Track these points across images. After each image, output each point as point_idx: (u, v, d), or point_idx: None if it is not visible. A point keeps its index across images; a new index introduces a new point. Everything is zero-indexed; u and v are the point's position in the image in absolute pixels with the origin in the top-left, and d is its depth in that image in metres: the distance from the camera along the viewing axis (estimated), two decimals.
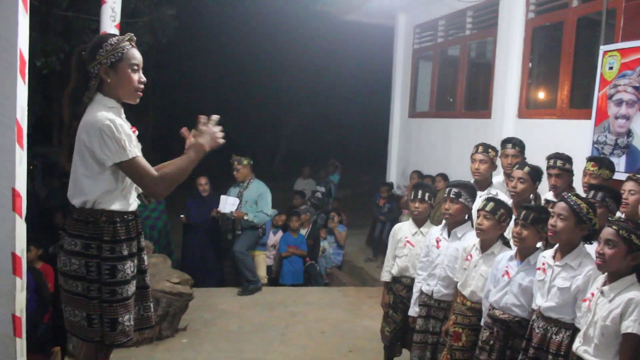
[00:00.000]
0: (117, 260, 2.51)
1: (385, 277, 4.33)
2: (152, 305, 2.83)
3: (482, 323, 3.40)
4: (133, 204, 2.63)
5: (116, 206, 2.53)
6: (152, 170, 2.51)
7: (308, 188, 11.54)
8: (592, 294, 2.67)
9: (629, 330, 2.47)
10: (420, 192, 4.08)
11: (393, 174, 9.58)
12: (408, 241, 4.14)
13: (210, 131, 2.64)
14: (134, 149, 2.48)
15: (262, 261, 7.54)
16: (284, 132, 21.18)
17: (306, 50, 17.30)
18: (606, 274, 2.63)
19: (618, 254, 2.54)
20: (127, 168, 2.47)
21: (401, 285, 4.19)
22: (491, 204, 3.42)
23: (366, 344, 5.23)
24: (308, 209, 9.04)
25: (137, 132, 2.64)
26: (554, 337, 2.89)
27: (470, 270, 3.51)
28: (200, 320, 5.68)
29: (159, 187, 2.50)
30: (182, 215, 7.60)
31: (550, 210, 3.12)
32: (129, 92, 2.59)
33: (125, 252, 2.54)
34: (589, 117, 5.54)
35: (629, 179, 3.74)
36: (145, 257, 2.73)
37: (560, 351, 2.85)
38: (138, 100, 2.64)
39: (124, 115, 2.62)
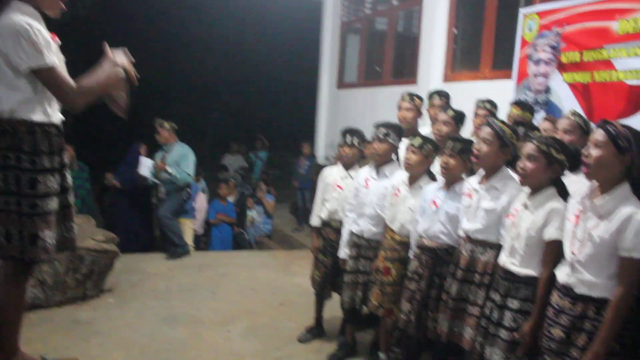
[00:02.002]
0: (38, 173, 2.39)
1: (315, 221, 4.34)
2: (75, 226, 2.70)
3: (410, 255, 3.47)
4: (55, 116, 2.50)
5: (36, 117, 2.40)
6: (71, 81, 2.39)
7: (236, 164, 11.48)
8: (516, 210, 2.78)
9: (551, 237, 2.59)
10: (348, 137, 4.12)
11: (321, 146, 9.62)
12: (337, 185, 4.17)
13: (121, 53, 2.54)
14: (52, 57, 2.35)
15: (189, 229, 7.42)
16: (211, 116, 20.78)
17: (231, 29, 17.04)
18: (528, 189, 2.74)
19: (539, 168, 2.65)
20: (44, 76, 2.34)
21: (330, 229, 4.21)
22: (418, 139, 3.50)
23: (297, 298, 5.25)
24: (235, 176, 8.97)
25: (58, 42, 2.51)
26: (480, 257, 3.00)
27: (398, 205, 3.58)
28: (127, 282, 5.53)
29: (77, 99, 2.38)
30: (114, 181, 7.40)
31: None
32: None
33: (47, 165, 2.42)
34: (510, 77, 5.77)
35: (544, 119, 4.01)
36: (69, 176, 2.61)
37: (487, 270, 2.96)
38: (59, 14, 2.51)
39: (43, 24, 2.48)
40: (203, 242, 7.94)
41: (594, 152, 2.33)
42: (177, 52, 17.64)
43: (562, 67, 5.31)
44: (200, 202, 7.73)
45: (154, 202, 6.84)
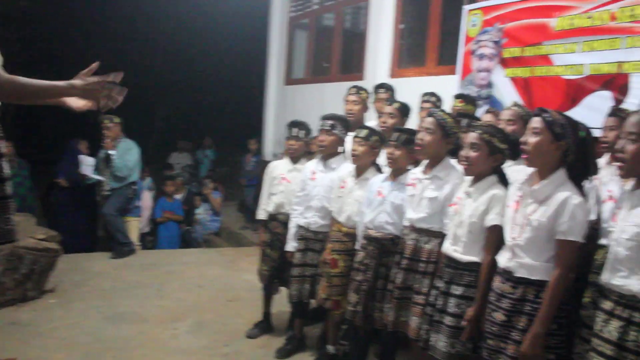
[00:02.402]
0: None
1: (261, 215, 4.31)
2: (13, 218, 2.58)
3: (357, 246, 3.48)
4: None
5: None
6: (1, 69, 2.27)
7: (183, 162, 11.34)
8: (459, 198, 2.82)
9: (493, 223, 2.64)
10: (294, 130, 4.11)
11: (269, 143, 9.57)
12: (284, 177, 4.15)
13: (93, 82, 2.28)
14: None
15: (135, 227, 7.26)
16: (158, 114, 20.37)
17: (177, 25, 16.74)
18: (470, 178, 2.79)
19: (481, 156, 2.71)
20: None
21: (277, 222, 4.19)
22: (365, 131, 3.51)
23: (245, 294, 5.21)
24: (182, 173, 8.84)
25: None
26: (424, 246, 3.03)
27: (345, 197, 3.59)
28: (70, 282, 5.37)
29: (2, 88, 2.23)
30: (61, 179, 7.17)
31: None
32: None
33: None
34: (454, 73, 5.87)
35: (487, 112, 4.24)
36: (6, 165, 2.48)
37: (431, 258, 3.00)
38: None
39: None
40: (149, 240, 7.79)
41: (532, 139, 2.39)
42: (121, 48, 17.17)
43: (503, 62, 5.44)
44: (145, 200, 7.57)
45: (98, 200, 6.65)
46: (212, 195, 8.68)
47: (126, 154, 6.49)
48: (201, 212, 8.45)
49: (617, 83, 4.55)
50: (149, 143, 17.94)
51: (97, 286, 5.34)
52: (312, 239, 3.87)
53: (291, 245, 4.00)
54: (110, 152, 6.43)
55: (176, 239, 7.59)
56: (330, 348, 3.87)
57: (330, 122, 3.77)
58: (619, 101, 4.26)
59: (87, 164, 6.60)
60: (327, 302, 3.67)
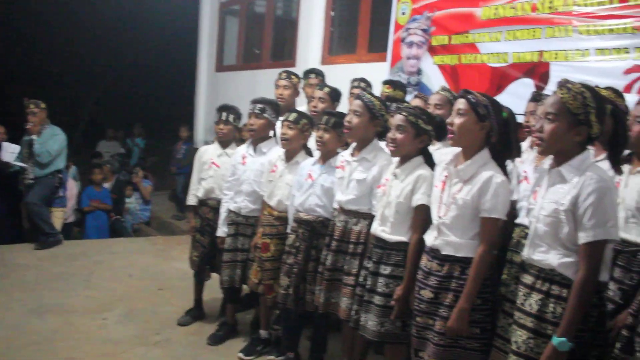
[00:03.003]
0: None
1: (191, 200, 4.25)
2: None
3: (288, 230, 3.49)
4: None
5: None
6: None
7: (113, 150, 11.03)
8: (387, 179, 2.87)
9: (419, 202, 2.70)
10: (224, 114, 4.06)
11: (200, 130, 9.43)
12: (213, 162, 4.10)
13: None
14: None
15: (59, 218, 6.98)
16: (86, 103, 19.67)
17: (107, 11, 16.17)
18: (398, 159, 2.84)
19: (407, 138, 2.75)
20: None
21: (207, 208, 4.14)
22: (294, 115, 3.51)
23: (176, 282, 5.13)
24: (111, 162, 8.59)
25: None
26: (353, 227, 3.07)
27: (276, 181, 3.58)
28: None
29: None
30: None
31: None
32: None
33: None
34: (385, 60, 5.95)
35: (415, 97, 4.31)
36: None
37: (360, 239, 3.04)
38: None
39: None
40: (77, 231, 7.52)
41: (457, 120, 2.45)
42: (47, 34, 16.47)
43: (432, 50, 5.55)
44: (71, 189, 7.29)
45: (21, 188, 6.34)
46: (142, 184, 8.48)
47: (50, 140, 6.21)
48: (132, 201, 8.23)
49: (538, 71, 4.73)
50: (77, 131, 17.35)
51: (20, 278, 5.12)
52: (243, 224, 3.84)
53: (222, 230, 3.96)
54: (33, 137, 6.16)
55: (105, 229, 7.35)
56: (263, 333, 3.87)
57: (260, 105, 3.74)
58: (540, 88, 4.43)
59: (9, 151, 6.28)
60: (259, 287, 3.66)
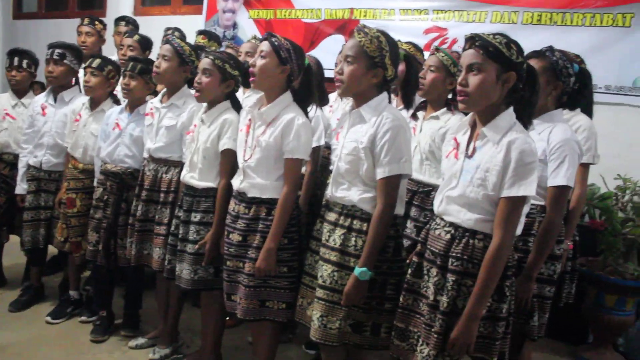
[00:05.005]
0: None
1: None
2: None
3: (95, 183, 3.31)
4: None
5: None
6: None
7: None
8: (195, 125, 2.83)
9: (225, 147, 2.70)
10: (16, 59, 3.70)
11: None
12: (7, 114, 3.74)
13: None
14: None
15: None
16: None
17: None
18: (205, 105, 2.81)
19: (214, 82, 2.72)
20: None
21: (3, 164, 3.78)
22: (98, 60, 3.31)
23: None
24: None
25: None
26: (164, 176, 3.00)
27: (80, 131, 3.37)
28: None
29: None
30: None
31: None
32: None
33: None
34: (201, 13, 5.82)
35: (227, 47, 4.30)
36: None
37: (171, 187, 2.98)
38: None
39: None
40: None
41: (259, 62, 2.47)
42: None
43: (248, 4, 5.54)
44: None
45: None
46: None
47: None
48: None
49: (349, 28, 4.94)
50: None
51: None
52: (45, 179, 3.58)
53: (21, 187, 3.65)
54: None
55: None
56: (73, 293, 3.68)
57: (59, 50, 3.47)
58: None
59: None
60: (65, 245, 3.46)
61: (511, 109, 1.97)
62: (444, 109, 2.90)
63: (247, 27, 5.45)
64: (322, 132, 3.09)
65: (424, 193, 2.92)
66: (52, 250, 3.83)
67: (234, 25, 5.59)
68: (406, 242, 2.74)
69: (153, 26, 5.96)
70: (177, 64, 2.96)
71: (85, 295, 3.76)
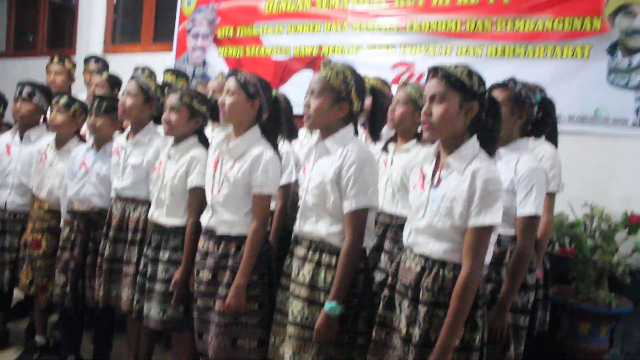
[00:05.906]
0: None
1: None
2: None
3: (61, 223, 3.25)
4: None
5: None
6: None
7: None
8: (161, 161, 2.81)
9: (194, 184, 2.68)
10: None
11: None
12: None
13: None
14: None
15: None
16: None
17: None
18: (172, 141, 2.80)
19: (182, 119, 2.71)
20: None
21: None
22: (64, 98, 3.29)
23: None
24: None
25: None
26: (131, 215, 2.96)
27: (45, 170, 3.32)
28: None
29: None
30: None
31: None
32: None
33: None
34: (171, 50, 5.85)
35: (198, 84, 4.29)
36: None
37: (139, 226, 2.93)
38: None
39: None
40: None
41: (228, 100, 2.47)
42: None
43: (218, 42, 5.58)
44: None
45: None
46: None
47: None
48: None
49: (318, 63, 4.99)
50: None
51: None
52: (10, 221, 3.50)
53: None
54: None
55: None
56: (39, 338, 3.55)
57: (28, 89, 3.44)
58: None
59: None
60: (31, 288, 3.36)
61: (474, 137, 1.99)
62: (414, 141, 2.92)
63: (217, 65, 5.47)
64: (293, 168, 3.09)
65: (397, 226, 2.90)
66: (17, 295, 3.71)
67: (204, 63, 5.61)
68: (381, 276, 2.73)
69: (123, 64, 5.98)
70: (142, 100, 2.95)
71: (52, 340, 3.64)
